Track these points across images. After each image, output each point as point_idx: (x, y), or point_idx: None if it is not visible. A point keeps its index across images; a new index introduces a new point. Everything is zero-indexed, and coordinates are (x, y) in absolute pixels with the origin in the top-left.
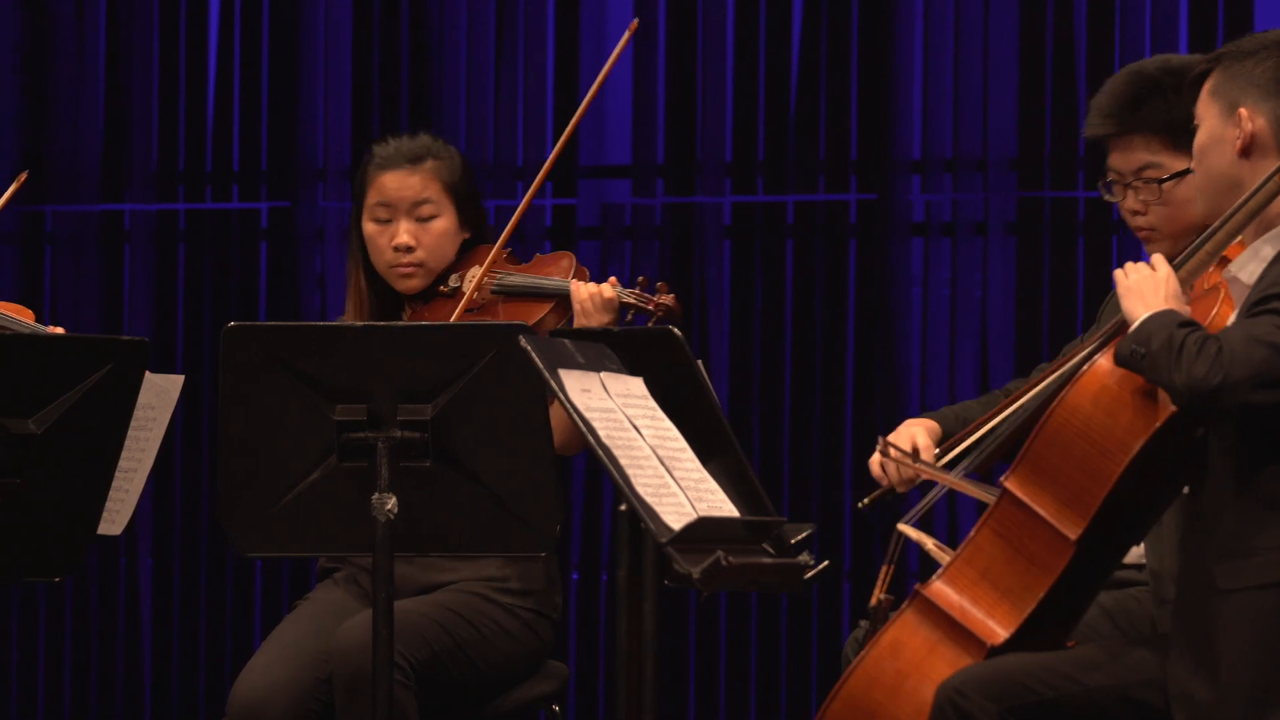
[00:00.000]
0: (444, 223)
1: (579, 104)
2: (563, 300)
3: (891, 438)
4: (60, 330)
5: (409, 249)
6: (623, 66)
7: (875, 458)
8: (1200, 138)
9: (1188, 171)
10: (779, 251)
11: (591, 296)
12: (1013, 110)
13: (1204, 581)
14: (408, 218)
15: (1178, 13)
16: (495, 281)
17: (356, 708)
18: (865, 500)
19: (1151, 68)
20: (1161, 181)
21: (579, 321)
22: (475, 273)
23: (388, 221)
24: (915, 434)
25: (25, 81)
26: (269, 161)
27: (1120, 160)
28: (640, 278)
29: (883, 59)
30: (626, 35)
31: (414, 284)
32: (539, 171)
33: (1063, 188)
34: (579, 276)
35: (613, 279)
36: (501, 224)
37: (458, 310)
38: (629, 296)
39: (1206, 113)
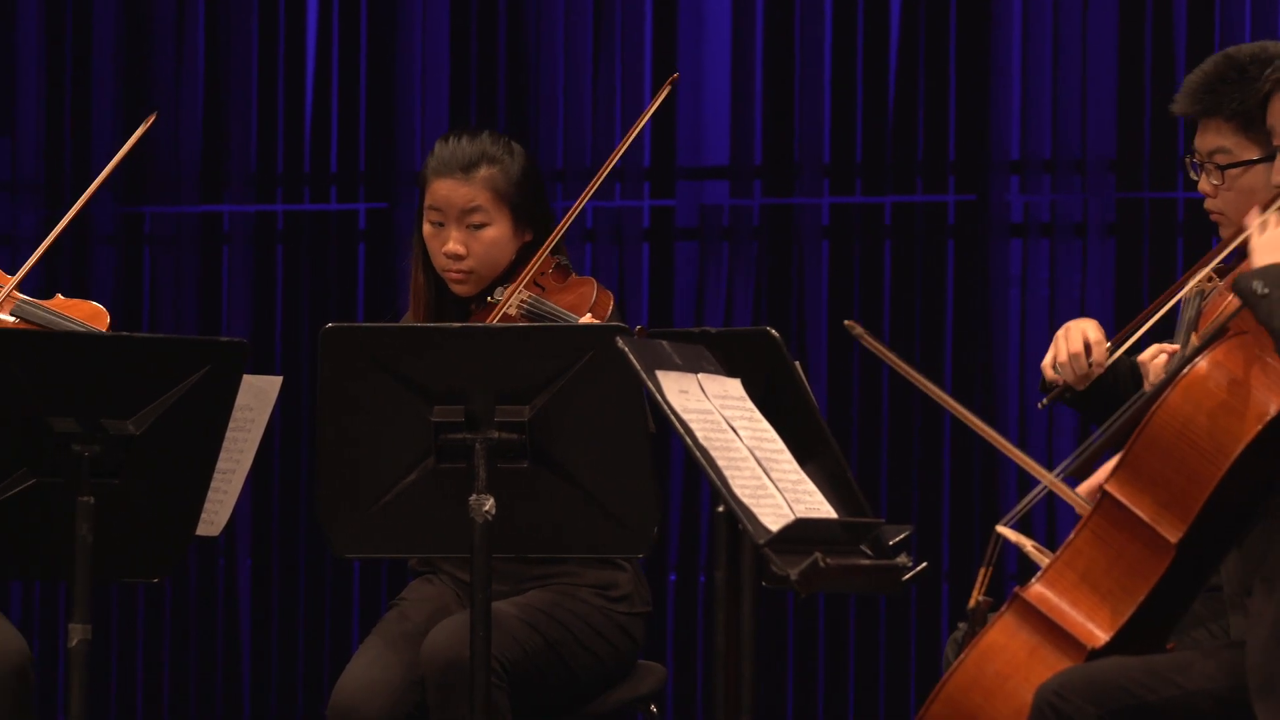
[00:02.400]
0: (495, 231)
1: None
2: None
3: (1063, 333)
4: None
5: (459, 257)
6: (720, 67)
7: (1048, 358)
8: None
9: (1255, 162)
10: (877, 253)
11: None
12: (1111, 110)
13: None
14: (458, 225)
15: (1277, 10)
16: (528, 304)
17: (449, 708)
18: (1044, 400)
19: (1245, 53)
20: (1226, 168)
21: None
22: (512, 289)
23: (440, 225)
24: (1086, 329)
25: (125, 83)
26: (367, 163)
27: (1199, 140)
28: (639, 327)
29: (981, 59)
30: (665, 88)
31: (465, 289)
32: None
33: (1162, 188)
34: (599, 305)
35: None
36: (598, 225)
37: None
38: None
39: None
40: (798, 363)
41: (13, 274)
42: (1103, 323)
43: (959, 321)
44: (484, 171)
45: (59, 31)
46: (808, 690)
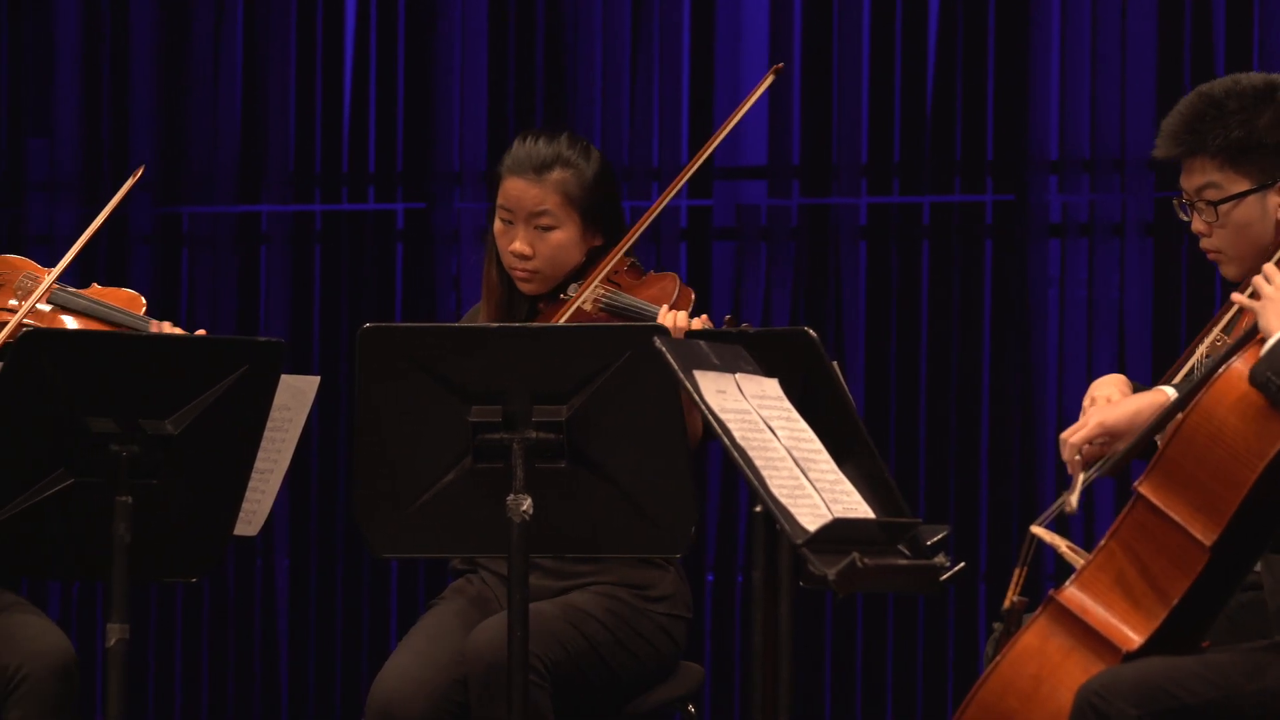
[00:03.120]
0: (563, 234)
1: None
2: None
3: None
4: (172, 328)
5: (524, 256)
6: (758, 68)
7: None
8: None
9: (1246, 194)
10: (915, 252)
11: (671, 328)
12: (1150, 110)
13: None
14: (526, 225)
15: None
16: (606, 299)
17: (491, 708)
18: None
19: (1219, 89)
20: (1218, 204)
21: None
22: (587, 285)
23: (510, 223)
24: (1110, 393)
25: (163, 83)
26: (405, 163)
27: (1185, 180)
28: (728, 316)
29: (1020, 59)
30: (769, 77)
31: (530, 288)
32: (674, 173)
33: None
34: (681, 298)
35: (705, 316)
36: (634, 224)
37: (560, 320)
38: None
39: None
40: (835, 363)
41: (50, 267)
42: (1140, 323)
43: (997, 321)
44: (556, 174)
45: (97, 31)
46: (845, 691)
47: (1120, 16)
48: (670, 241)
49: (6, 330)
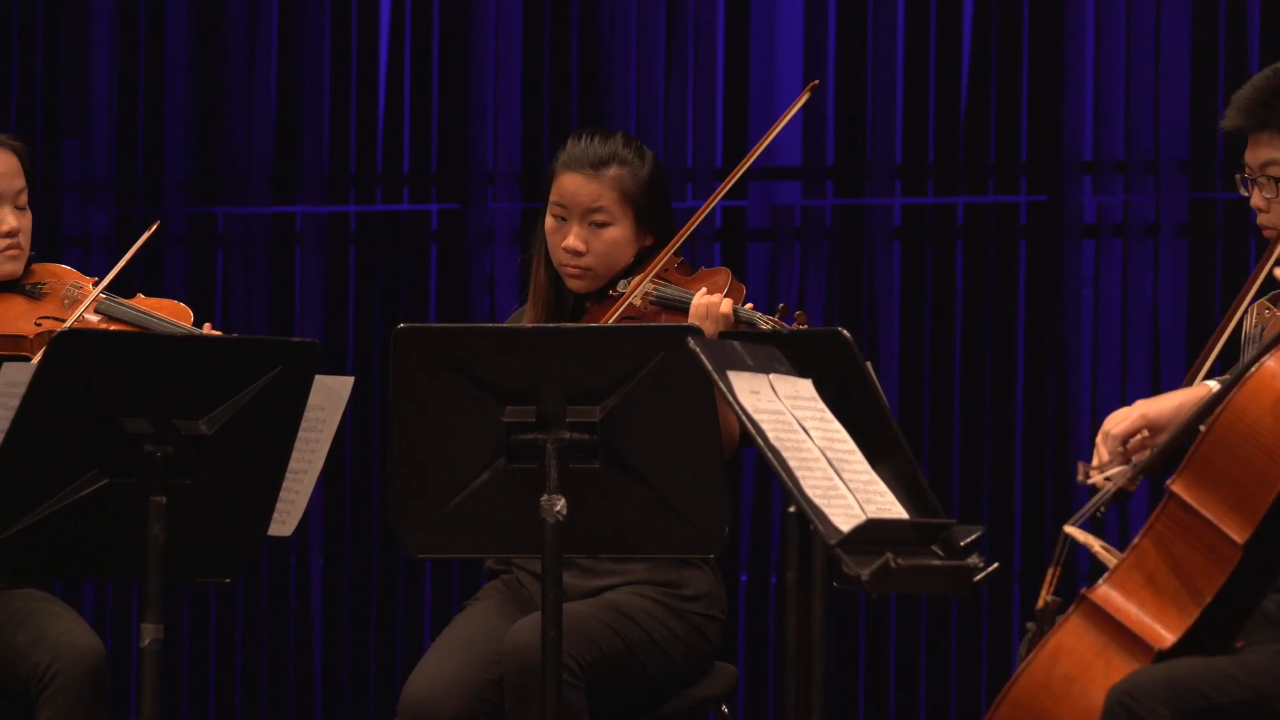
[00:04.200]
0: (617, 231)
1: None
2: None
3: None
4: (214, 332)
5: (578, 253)
6: (792, 68)
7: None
8: None
9: None
10: (949, 253)
11: (708, 305)
12: (1185, 111)
13: None
14: (580, 222)
15: None
16: (656, 292)
17: (526, 708)
18: (1103, 508)
19: None
20: None
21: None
22: (638, 280)
23: (563, 220)
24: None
25: (197, 84)
26: (439, 164)
27: (1250, 155)
28: (781, 305)
29: (1054, 59)
30: (804, 94)
31: (580, 285)
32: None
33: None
34: (733, 292)
35: (750, 305)
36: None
37: (612, 316)
38: (760, 320)
39: None
40: (869, 363)
41: (92, 276)
42: (1174, 323)
43: (1031, 322)
44: (613, 171)
45: (131, 32)
46: (879, 692)
47: (1154, 17)
48: (705, 242)
49: None
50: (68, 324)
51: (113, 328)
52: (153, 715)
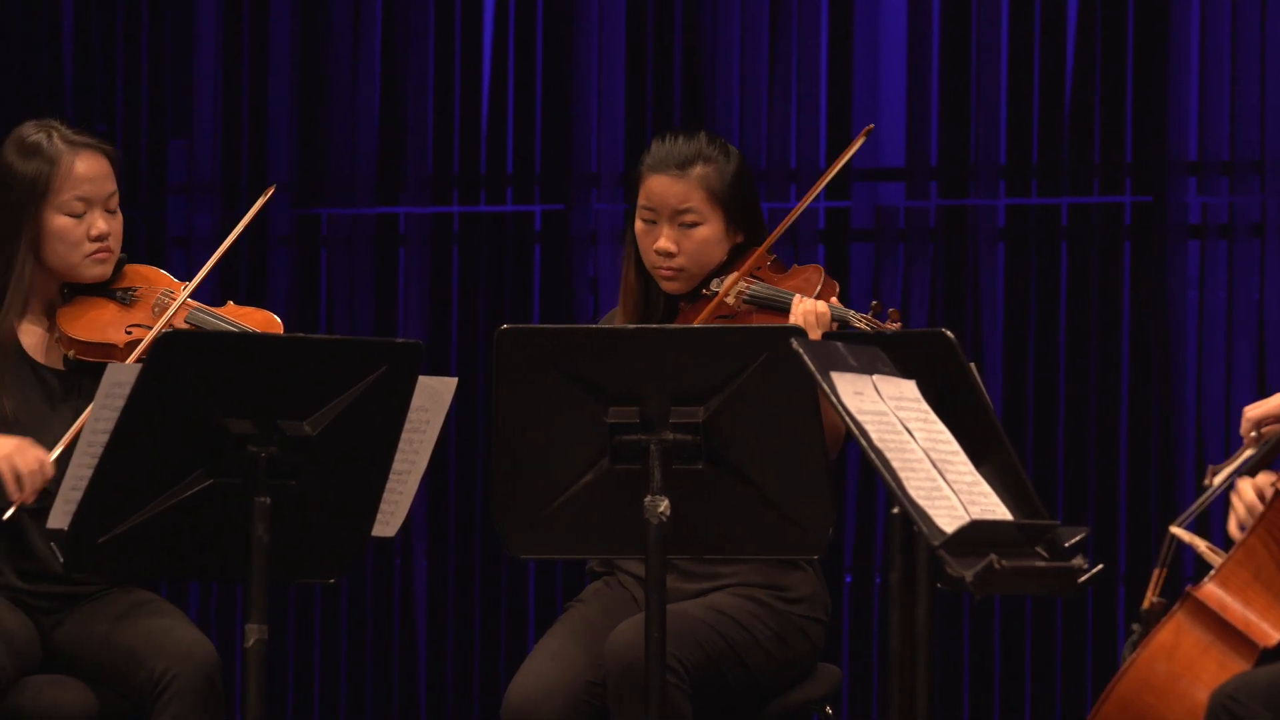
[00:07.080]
0: (707, 230)
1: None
2: None
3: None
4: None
5: (669, 254)
6: (897, 69)
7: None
8: None
9: None
10: (1053, 254)
11: (806, 313)
12: None
13: None
14: (670, 223)
15: None
16: (749, 291)
17: (630, 710)
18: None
19: None
20: None
21: None
22: (732, 279)
23: (653, 223)
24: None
25: (302, 86)
26: (543, 165)
27: None
28: (874, 302)
29: (1159, 59)
30: (859, 139)
31: (674, 286)
32: (812, 175)
33: None
34: (826, 289)
35: (895, 309)
36: (773, 226)
37: (704, 315)
38: (853, 318)
39: None
40: (973, 364)
41: (190, 280)
42: None
43: (1136, 323)
44: (699, 170)
45: (236, 35)
46: (983, 693)
47: (1260, 18)
48: (808, 243)
49: (139, 349)
50: (153, 333)
51: None
52: (257, 716)
